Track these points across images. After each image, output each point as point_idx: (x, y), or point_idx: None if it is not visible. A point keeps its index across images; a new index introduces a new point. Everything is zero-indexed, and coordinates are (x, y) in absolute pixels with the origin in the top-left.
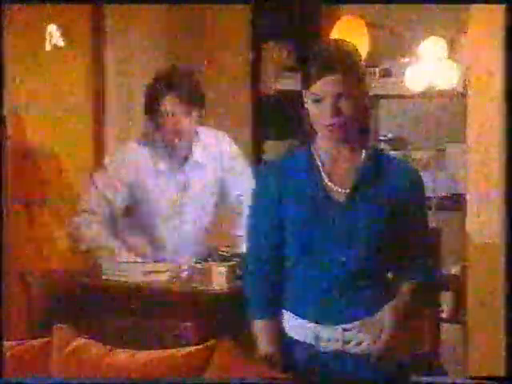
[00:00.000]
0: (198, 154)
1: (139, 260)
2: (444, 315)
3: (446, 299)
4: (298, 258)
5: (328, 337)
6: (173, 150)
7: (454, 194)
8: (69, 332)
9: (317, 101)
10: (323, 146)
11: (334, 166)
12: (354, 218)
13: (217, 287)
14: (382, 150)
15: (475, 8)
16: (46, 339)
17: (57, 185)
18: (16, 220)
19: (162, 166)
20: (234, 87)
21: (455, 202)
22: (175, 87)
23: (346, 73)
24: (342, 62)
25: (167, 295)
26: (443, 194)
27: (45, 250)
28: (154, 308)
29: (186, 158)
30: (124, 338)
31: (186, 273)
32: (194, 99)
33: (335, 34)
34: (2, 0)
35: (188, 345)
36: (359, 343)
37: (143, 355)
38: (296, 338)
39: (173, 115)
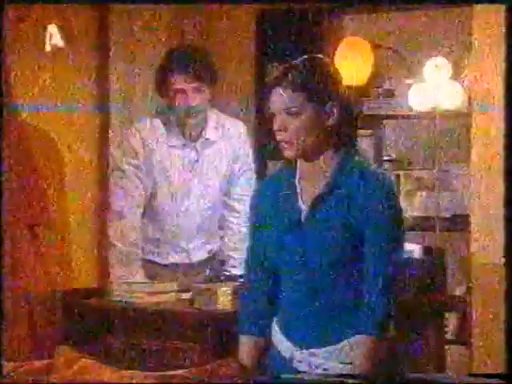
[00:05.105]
0: (211, 132)
1: (146, 281)
2: (449, 336)
3: (451, 320)
4: (276, 277)
5: (299, 358)
6: (185, 127)
7: (457, 215)
8: (72, 353)
9: (270, 115)
10: (299, 165)
11: (306, 184)
12: (311, 237)
13: (221, 308)
14: (355, 164)
15: (478, 29)
16: (49, 360)
17: (61, 204)
18: (19, 240)
19: (174, 141)
20: (237, 106)
21: (459, 223)
22: (185, 64)
23: (297, 88)
24: (294, 76)
25: (172, 316)
26: (447, 215)
27: (49, 270)
28: (158, 329)
29: (198, 136)
30: (128, 359)
31: (190, 293)
32: (205, 76)
33: (339, 54)
34: (3, 0)
35: (192, 365)
36: (326, 369)
37: (147, 376)
38: (280, 351)
39: (183, 92)
